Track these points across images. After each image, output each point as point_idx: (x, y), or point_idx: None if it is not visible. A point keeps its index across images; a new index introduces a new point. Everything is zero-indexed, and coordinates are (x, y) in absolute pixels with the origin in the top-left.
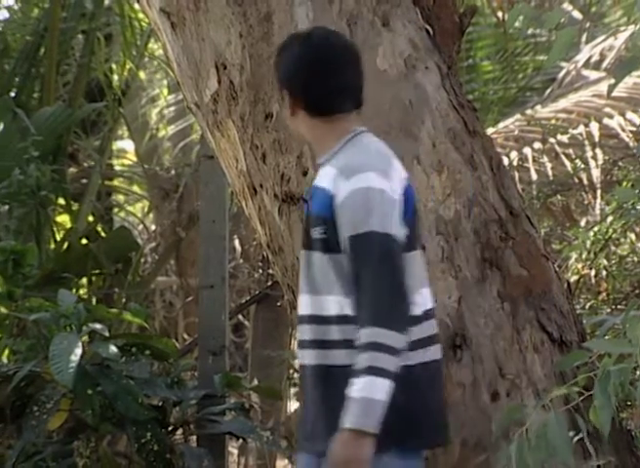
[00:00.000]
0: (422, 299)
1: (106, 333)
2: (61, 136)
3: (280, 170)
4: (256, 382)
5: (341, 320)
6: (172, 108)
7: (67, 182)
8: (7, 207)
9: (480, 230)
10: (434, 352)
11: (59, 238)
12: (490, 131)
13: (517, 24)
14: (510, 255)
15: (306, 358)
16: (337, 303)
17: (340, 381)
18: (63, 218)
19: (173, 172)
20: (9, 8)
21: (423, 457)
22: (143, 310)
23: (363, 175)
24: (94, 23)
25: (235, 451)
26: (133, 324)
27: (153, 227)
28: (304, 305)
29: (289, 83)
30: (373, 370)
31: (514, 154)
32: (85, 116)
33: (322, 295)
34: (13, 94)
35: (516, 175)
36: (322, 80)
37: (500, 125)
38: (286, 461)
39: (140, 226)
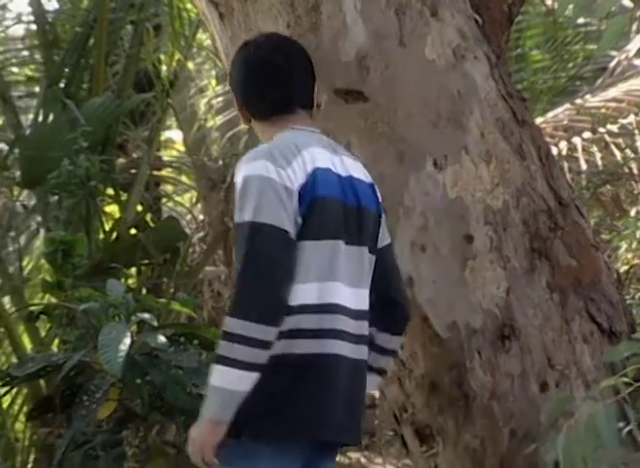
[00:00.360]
0: (311, 291)
1: (155, 323)
2: (110, 127)
3: None
4: None
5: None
6: (220, 98)
7: (116, 173)
8: (56, 197)
9: (529, 220)
10: (310, 346)
11: (107, 228)
12: (539, 120)
13: (567, 13)
14: (559, 246)
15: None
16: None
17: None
18: (112, 209)
19: (220, 162)
20: None
21: (301, 450)
22: (192, 300)
23: (250, 163)
24: (142, 14)
25: None
26: (181, 313)
27: (201, 217)
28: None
29: (234, 92)
30: (226, 361)
31: (563, 144)
32: (134, 106)
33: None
34: (62, 85)
35: (565, 164)
36: (256, 86)
37: (550, 114)
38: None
39: (189, 216)
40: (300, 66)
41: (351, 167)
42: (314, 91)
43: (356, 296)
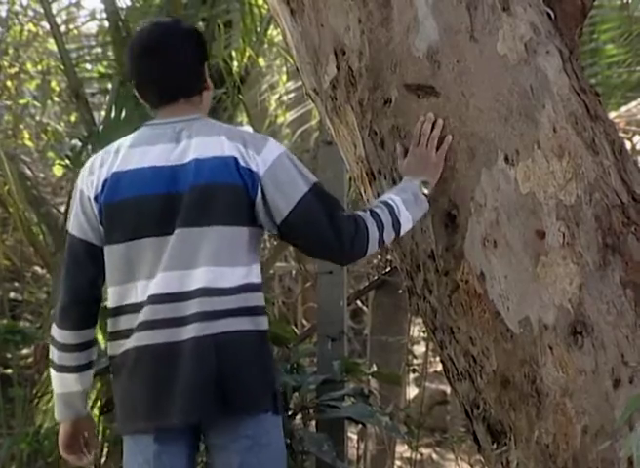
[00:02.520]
0: (119, 293)
1: None
2: None
3: (398, 156)
4: (374, 368)
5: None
6: (291, 95)
7: None
8: None
9: (602, 216)
10: (136, 340)
11: None
12: (612, 115)
13: None
14: (633, 241)
15: None
16: None
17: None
18: None
19: None
20: None
21: (142, 442)
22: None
23: None
24: (214, 10)
25: (354, 437)
26: None
27: None
28: None
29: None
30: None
31: (637, 138)
32: None
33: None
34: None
35: (639, 159)
36: (130, 76)
37: (623, 109)
38: (405, 447)
39: None
40: (158, 58)
41: (196, 150)
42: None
43: (165, 281)
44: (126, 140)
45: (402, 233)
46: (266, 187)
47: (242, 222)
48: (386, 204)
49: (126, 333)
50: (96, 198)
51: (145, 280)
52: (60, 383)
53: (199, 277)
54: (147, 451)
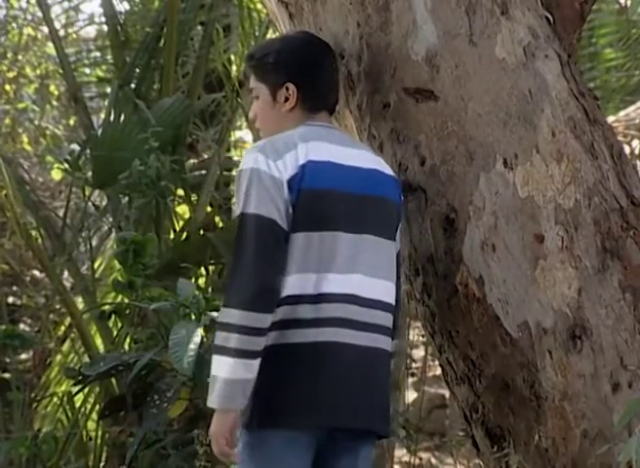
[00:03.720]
0: (301, 282)
1: None
2: (181, 127)
3: (397, 159)
4: None
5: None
6: None
7: (186, 173)
8: (127, 197)
9: (600, 220)
10: (306, 335)
11: (178, 228)
12: (611, 119)
13: None
14: (632, 245)
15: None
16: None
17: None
18: (183, 209)
19: None
20: (130, 0)
21: (310, 438)
22: None
23: (247, 156)
24: (212, 14)
25: None
26: None
27: None
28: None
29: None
30: (216, 349)
31: (636, 143)
32: (204, 107)
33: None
34: (133, 85)
35: (638, 163)
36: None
37: (622, 113)
38: (404, 451)
39: None
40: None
41: (366, 159)
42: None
43: (368, 285)
44: (296, 133)
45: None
46: None
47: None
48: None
49: (309, 323)
50: (289, 183)
51: (340, 275)
52: (235, 369)
53: (384, 289)
54: (309, 451)
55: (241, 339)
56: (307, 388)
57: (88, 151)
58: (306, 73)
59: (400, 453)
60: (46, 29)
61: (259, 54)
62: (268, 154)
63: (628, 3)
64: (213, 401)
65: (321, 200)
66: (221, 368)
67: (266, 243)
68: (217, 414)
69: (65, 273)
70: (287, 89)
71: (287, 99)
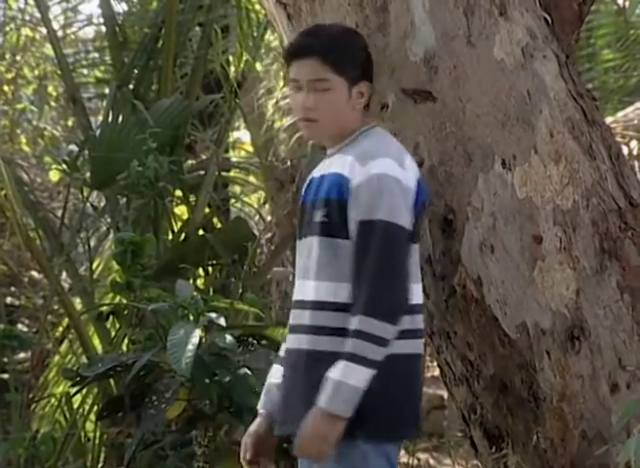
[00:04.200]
0: (417, 292)
1: (223, 323)
2: (179, 128)
3: None
4: None
5: (343, 307)
6: (288, 100)
7: (185, 174)
8: (125, 198)
9: (599, 220)
10: (417, 346)
11: (176, 229)
12: (609, 120)
13: (638, 11)
14: (630, 246)
15: (303, 343)
16: (345, 290)
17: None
18: (181, 209)
19: (288, 163)
20: (128, 1)
21: (400, 448)
22: (260, 300)
23: (380, 160)
24: (211, 15)
25: None
26: (249, 314)
27: (269, 218)
28: (307, 290)
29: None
30: (356, 358)
31: (634, 143)
32: (202, 108)
33: (329, 282)
34: (131, 86)
35: (636, 164)
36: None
37: (620, 114)
38: (402, 452)
39: (257, 217)
40: None
41: None
42: None
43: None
44: (392, 142)
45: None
46: None
47: None
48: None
49: (419, 334)
50: (415, 193)
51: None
52: (365, 379)
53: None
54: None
55: (379, 352)
56: (409, 400)
57: (86, 152)
58: (372, 73)
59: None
60: (44, 30)
61: (341, 45)
62: (397, 161)
63: (627, 4)
64: (338, 407)
65: (422, 213)
66: (356, 376)
67: (404, 254)
68: (329, 418)
69: (64, 274)
70: (362, 86)
71: (361, 96)
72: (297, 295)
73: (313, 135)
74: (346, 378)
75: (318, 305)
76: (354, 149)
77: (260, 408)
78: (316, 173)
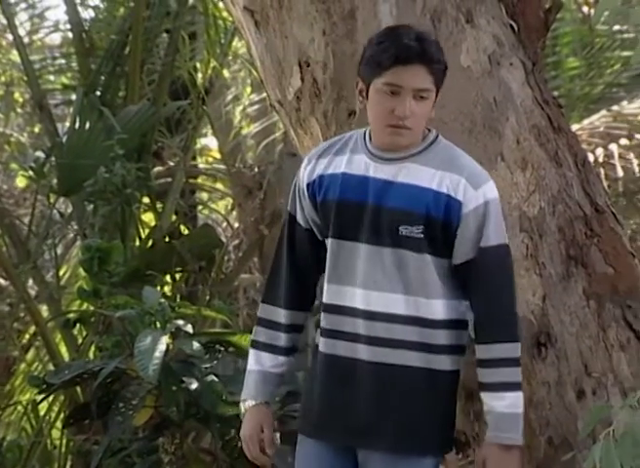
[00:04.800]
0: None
1: (190, 330)
2: (146, 135)
3: None
4: None
5: (451, 324)
6: (255, 106)
7: (152, 180)
8: (92, 205)
9: (565, 227)
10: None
11: (143, 236)
12: (575, 127)
13: (603, 19)
14: (596, 253)
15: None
16: (446, 307)
17: (446, 386)
18: (148, 216)
19: (256, 169)
20: (95, 7)
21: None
22: (227, 307)
23: (489, 184)
24: (178, 22)
25: None
26: (216, 321)
27: (237, 225)
28: (396, 304)
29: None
30: (517, 386)
31: (600, 151)
32: (169, 114)
33: (425, 298)
34: (98, 92)
35: (602, 171)
36: None
37: (586, 121)
38: None
39: (224, 224)
40: None
41: None
42: None
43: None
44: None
45: None
46: None
47: None
48: None
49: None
50: None
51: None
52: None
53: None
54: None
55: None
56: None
57: (53, 158)
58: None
59: None
60: (10, 36)
61: (442, 56)
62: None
63: (592, 12)
64: (520, 438)
65: None
66: (521, 404)
67: None
68: (518, 452)
69: (30, 281)
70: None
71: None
72: (359, 305)
73: (403, 141)
74: (518, 408)
75: (426, 322)
76: (443, 162)
77: (254, 399)
78: (372, 173)
